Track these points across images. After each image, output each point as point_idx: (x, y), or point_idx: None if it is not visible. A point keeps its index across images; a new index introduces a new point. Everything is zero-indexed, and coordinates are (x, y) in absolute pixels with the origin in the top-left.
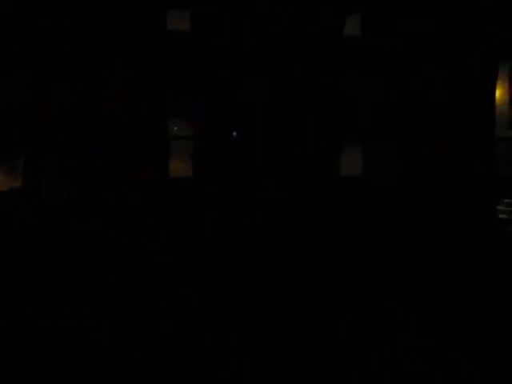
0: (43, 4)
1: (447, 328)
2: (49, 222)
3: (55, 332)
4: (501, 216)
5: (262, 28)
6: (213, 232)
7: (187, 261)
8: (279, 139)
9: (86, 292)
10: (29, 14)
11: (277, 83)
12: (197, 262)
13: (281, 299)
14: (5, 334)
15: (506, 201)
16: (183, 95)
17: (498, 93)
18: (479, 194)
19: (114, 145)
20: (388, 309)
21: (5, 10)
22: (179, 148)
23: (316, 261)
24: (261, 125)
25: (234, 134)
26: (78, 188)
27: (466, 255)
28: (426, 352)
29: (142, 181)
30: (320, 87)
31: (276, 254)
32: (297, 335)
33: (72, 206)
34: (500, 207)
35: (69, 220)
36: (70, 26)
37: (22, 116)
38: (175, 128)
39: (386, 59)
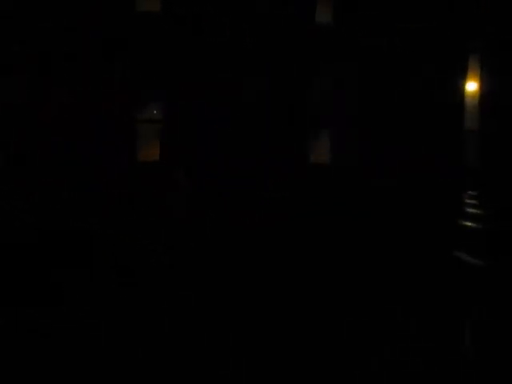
0: (43, 4)
1: (446, 326)
2: (49, 222)
3: (55, 332)
4: (469, 210)
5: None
6: (213, 232)
7: (187, 261)
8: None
9: (86, 292)
10: (29, 14)
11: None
12: (197, 262)
13: (281, 299)
14: (5, 333)
15: (470, 193)
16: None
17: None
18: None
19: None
20: (388, 309)
21: (5, 9)
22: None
23: (316, 261)
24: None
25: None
26: (78, 187)
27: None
28: (426, 352)
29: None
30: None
31: (276, 254)
32: (297, 335)
33: (72, 205)
34: (467, 201)
35: (69, 220)
36: (70, 25)
37: (22, 116)
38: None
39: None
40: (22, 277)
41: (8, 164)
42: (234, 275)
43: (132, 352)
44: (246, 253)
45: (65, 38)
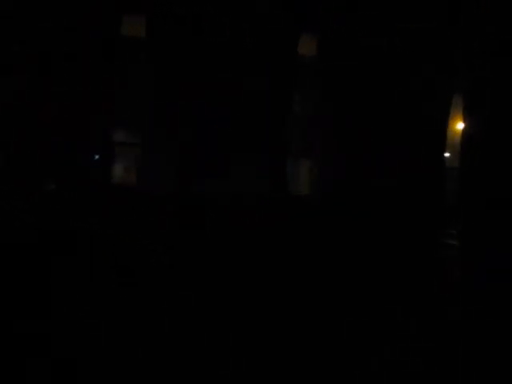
0: (43, 4)
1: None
2: (49, 222)
3: (55, 332)
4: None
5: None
6: (213, 232)
7: (187, 261)
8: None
9: (86, 292)
10: (29, 14)
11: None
12: (197, 262)
13: (281, 299)
14: (5, 334)
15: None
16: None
17: None
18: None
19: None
20: (388, 309)
21: (5, 10)
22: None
23: (316, 261)
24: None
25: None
26: (79, 188)
27: None
28: (425, 352)
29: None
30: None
31: (276, 254)
32: (297, 335)
33: (72, 205)
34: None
35: (69, 220)
36: (70, 25)
37: (21, 116)
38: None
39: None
40: (21, 277)
41: (8, 164)
42: (234, 275)
43: (132, 352)
44: (246, 252)
45: (65, 38)
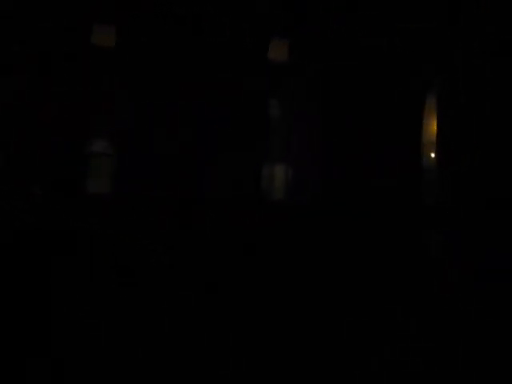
0: (43, 4)
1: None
2: (49, 222)
3: (55, 332)
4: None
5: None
6: (213, 232)
7: (187, 261)
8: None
9: (86, 292)
10: (29, 14)
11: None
12: (197, 262)
13: (281, 299)
14: (5, 334)
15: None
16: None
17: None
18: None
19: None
20: (388, 309)
21: (5, 10)
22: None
23: (316, 261)
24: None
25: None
26: (79, 187)
27: None
28: (426, 352)
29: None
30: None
31: (276, 254)
32: (297, 335)
33: (72, 205)
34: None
35: (69, 220)
36: (69, 25)
37: (21, 116)
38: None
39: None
40: (21, 277)
41: (8, 164)
42: (233, 275)
43: (132, 352)
44: (245, 252)
45: (65, 38)
